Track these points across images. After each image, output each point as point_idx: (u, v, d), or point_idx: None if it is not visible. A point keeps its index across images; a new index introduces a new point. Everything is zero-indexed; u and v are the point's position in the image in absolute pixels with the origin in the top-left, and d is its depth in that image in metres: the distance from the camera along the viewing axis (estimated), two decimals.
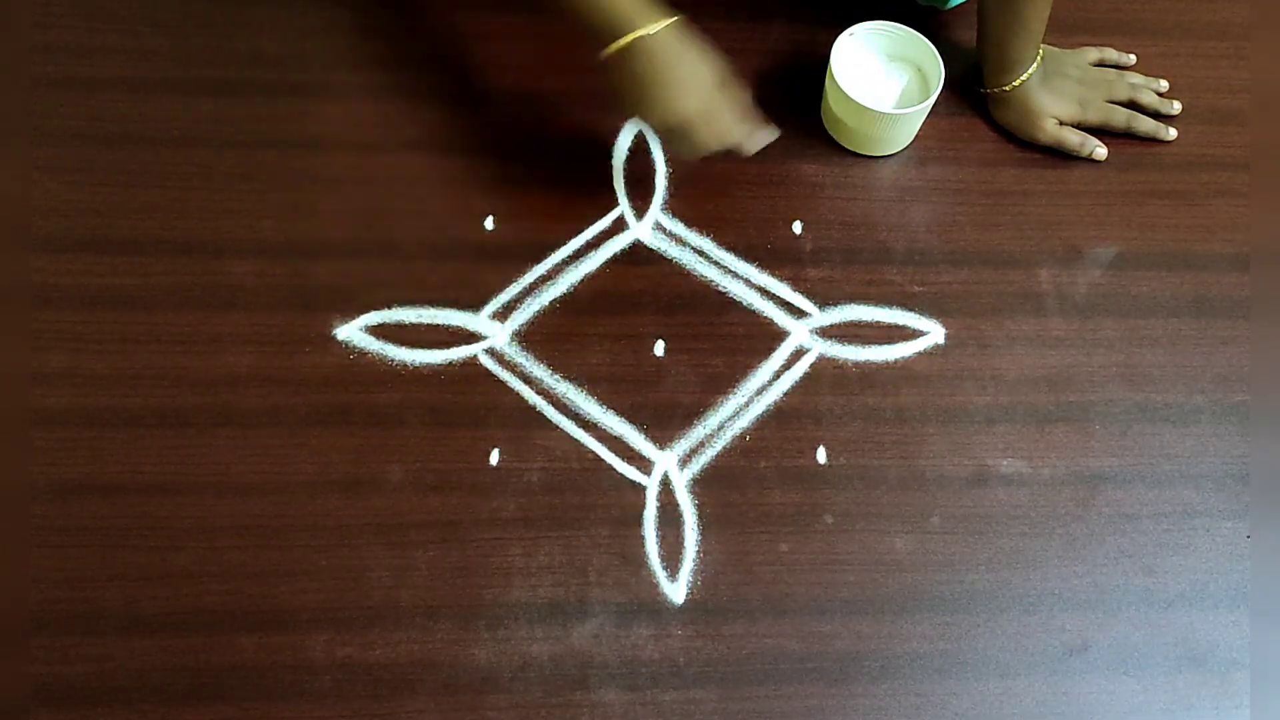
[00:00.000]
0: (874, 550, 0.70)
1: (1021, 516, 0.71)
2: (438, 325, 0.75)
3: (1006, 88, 0.82)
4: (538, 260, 0.78)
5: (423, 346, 0.75)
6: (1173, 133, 0.86)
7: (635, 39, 0.68)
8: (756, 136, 0.75)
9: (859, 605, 0.68)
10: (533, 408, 0.73)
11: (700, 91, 0.71)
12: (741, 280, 0.78)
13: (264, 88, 0.84)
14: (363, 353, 0.74)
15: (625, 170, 0.82)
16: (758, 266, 0.79)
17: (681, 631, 0.67)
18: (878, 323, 0.78)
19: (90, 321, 0.74)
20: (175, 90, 0.83)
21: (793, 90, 0.86)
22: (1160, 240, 0.82)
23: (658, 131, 0.74)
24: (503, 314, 0.76)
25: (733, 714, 0.65)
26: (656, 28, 0.69)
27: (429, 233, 0.79)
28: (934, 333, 0.78)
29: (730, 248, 0.80)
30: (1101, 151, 0.84)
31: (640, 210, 0.81)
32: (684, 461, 0.72)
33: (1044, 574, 0.70)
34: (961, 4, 0.88)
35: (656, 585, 0.68)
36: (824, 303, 0.78)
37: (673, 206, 0.81)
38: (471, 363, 0.74)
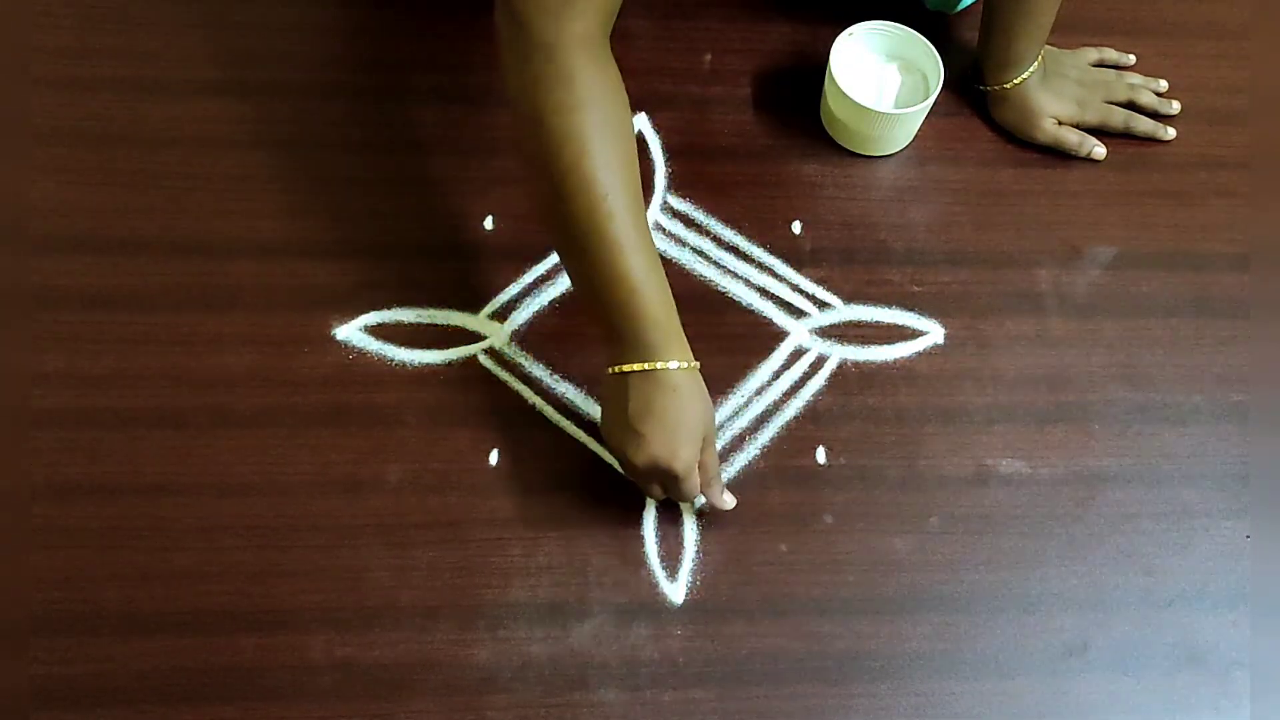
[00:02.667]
0: (873, 550, 0.70)
1: (1021, 516, 0.71)
2: (437, 325, 0.75)
3: (1007, 85, 0.82)
4: (537, 260, 0.78)
5: (422, 346, 0.75)
6: (1171, 132, 0.86)
7: (663, 368, 0.62)
8: (725, 499, 0.68)
9: (858, 605, 0.68)
10: (532, 408, 0.73)
11: (696, 445, 0.64)
12: (741, 280, 0.79)
13: (263, 88, 0.84)
14: (362, 353, 0.74)
15: None
16: (757, 267, 0.79)
17: (681, 631, 0.67)
18: (877, 323, 0.78)
19: (89, 322, 0.74)
20: (174, 91, 0.83)
21: (792, 90, 0.86)
22: (1159, 240, 0.82)
23: (634, 469, 0.65)
24: (502, 314, 0.76)
25: (732, 714, 0.65)
26: (683, 364, 0.63)
27: (429, 233, 0.79)
28: (933, 333, 0.78)
29: (729, 248, 0.80)
30: (1100, 151, 0.84)
31: None
32: None
33: (1043, 574, 0.70)
34: (968, 6, 0.88)
35: (656, 585, 0.68)
36: (823, 303, 0.78)
37: (672, 207, 0.81)
38: (471, 363, 0.74)
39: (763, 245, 0.80)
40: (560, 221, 0.62)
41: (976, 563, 0.70)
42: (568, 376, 0.74)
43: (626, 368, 0.63)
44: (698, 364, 0.64)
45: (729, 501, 0.68)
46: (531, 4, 0.59)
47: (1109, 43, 0.89)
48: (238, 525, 0.68)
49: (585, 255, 0.62)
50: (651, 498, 0.69)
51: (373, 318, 0.75)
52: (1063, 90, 0.84)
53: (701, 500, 0.69)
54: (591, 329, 0.67)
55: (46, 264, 0.75)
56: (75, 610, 0.65)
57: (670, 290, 0.64)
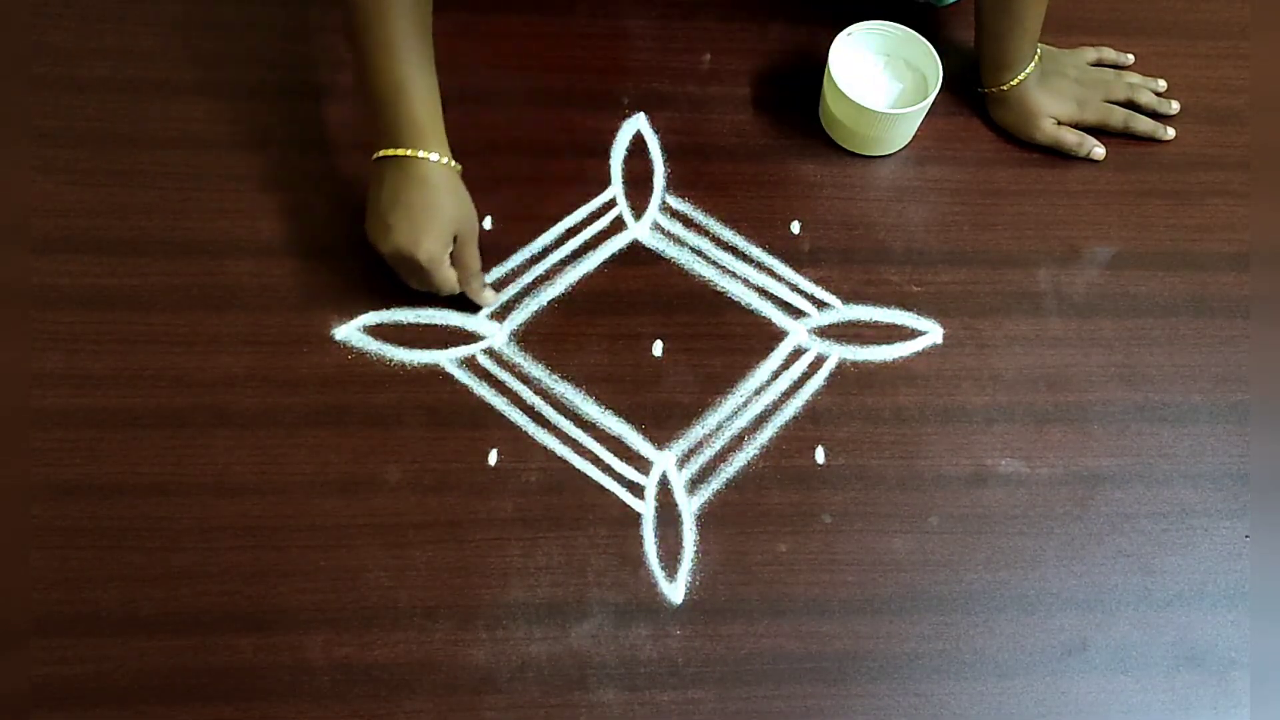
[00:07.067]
0: (872, 550, 0.70)
1: (1020, 516, 0.71)
2: (436, 325, 0.75)
3: (1004, 86, 0.82)
4: (537, 260, 0.78)
5: (421, 346, 0.75)
6: (1171, 132, 0.86)
7: (414, 157, 0.69)
8: (486, 295, 0.75)
9: (857, 605, 0.68)
10: (531, 408, 0.73)
11: (442, 237, 0.70)
12: (740, 280, 0.79)
13: (263, 88, 0.84)
14: (361, 353, 0.74)
15: (624, 170, 0.82)
16: (756, 267, 0.79)
17: (680, 631, 0.67)
18: (876, 322, 0.78)
19: (88, 322, 0.74)
20: (174, 91, 0.83)
21: (791, 90, 0.86)
22: (1159, 240, 0.82)
23: (385, 257, 0.71)
24: (501, 314, 0.76)
25: (731, 714, 0.65)
26: (439, 158, 0.69)
27: None
28: (932, 332, 0.78)
29: (728, 248, 0.80)
30: (1100, 151, 0.84)
31: (639, 210, 0.81)
32: (682, 461, 0.72)
33: (1042, 574, 0.70)
34: (957, 1, 0.88)
35: (655, 585, 0.68)
36: (822, 303, 0.78)
37: (671, 206, 0.81)
38: (470, 363, 0.74)
39: (762, 245, 0.80)
40: (347, 15, 0.69)
41: (975, 562, 0.70)
42: (566, 376, 0.74)
43: (384, 152, 0.69)
44: (458, 166, 0.71)
45: (489, 298, 0.75)
46: None
47: (1107, 42, 0.89)
48: (237, 525, 0.68)
49: (359, 51, 0.69)
50: (414, 288, 0.74)
51: (372, 318, 0.75)
52: (1061, 90, 0.84)
53: (490, 299, 0.75)
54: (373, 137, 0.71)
55: (46, 264, 0.75)
56: (73, 611, 0.65)
57: (439, 96, 0.70)
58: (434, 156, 0.69)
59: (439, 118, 0.71)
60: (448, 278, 0.72)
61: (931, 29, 0.84)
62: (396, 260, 0.71)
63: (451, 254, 0.72)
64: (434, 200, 0.70)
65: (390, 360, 0.74)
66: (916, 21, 0.84)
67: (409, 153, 0.69)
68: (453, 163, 0.71)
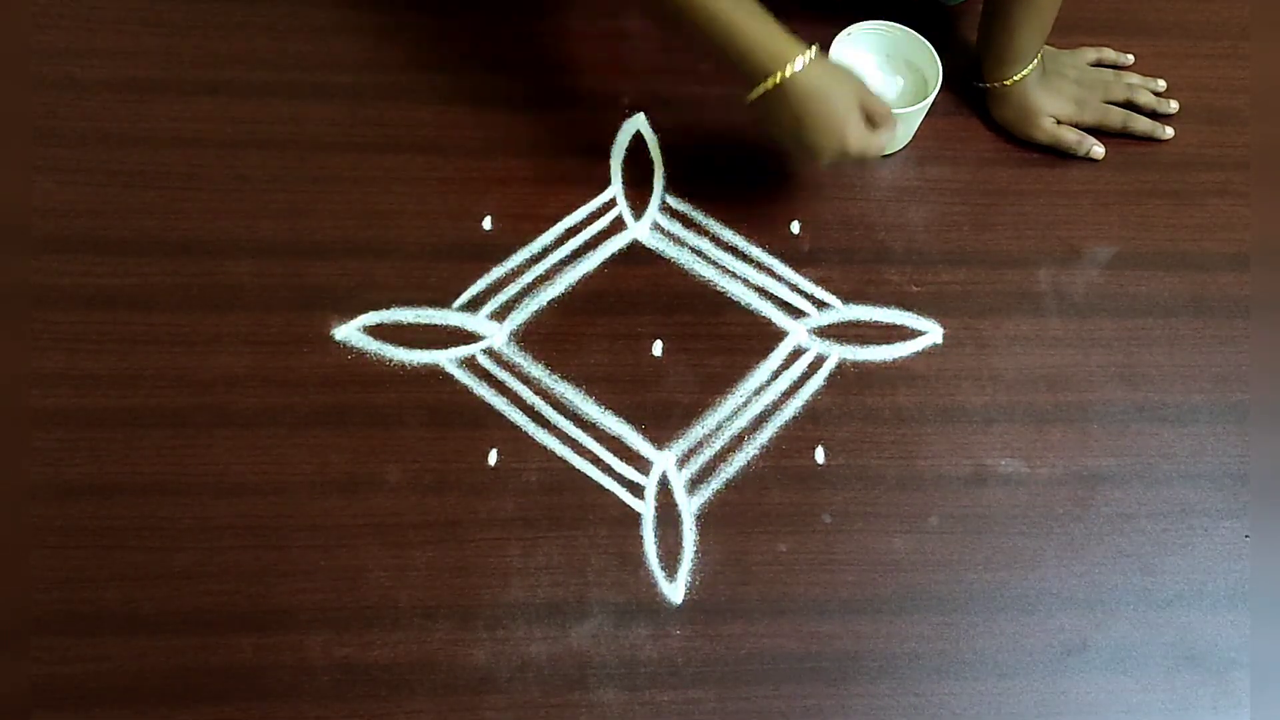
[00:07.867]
0: (872, 550, 0.70)
1: (1020, 516, 0.71)
2: (435, 325, 0.76)
3: (1006, 82, 0.82)
4: (537, 260, 0.78)
5: (421, 346, 0.75)
6: (1169, 132, 0.86)
7: (785, 77, 0.68)
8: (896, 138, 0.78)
9: (857, 605, 0.68)
10: (531, 408, 0.73)
11: (858, 117, 0.70)
12: (740, 280, 0.79)
13: (263, 88, 0.84)
14: (361, 353, 0.74)
15: (624, 170, 0.82)
16: (756, 267, 0.79)
17: (680, 631, 0.67)
18: (876, 322, 0.78)
19: (89, 322, 0.74)
20: (174, 90, 0.83)
21: None
22: (1158, 240, 0.82)
23: (825, 167, 0.75)
24: (501, 314, 0.76)
25: (731, 714, 0.65)
26: (802, 59, 0.68)
27: (428, 233, 0.79)
28: (932, 332, 0.78)
29: (728, 248, 0.80)
30: (1099, 150, 0.84)
31: (638, 210, 0.81)
32: (682, 461, 0.72)
33: (1042, 574, 0.70)
34: (962, 1, 0.88)
35: (655, 585, 0.68)
36: (822, 303, 0.78)
37: (671, 207, 0.81)
38: (470, 363, 0.74)
39: (762, 245, 0.80)
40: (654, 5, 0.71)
41: (975, 562, 0.70)
42: (566, 376, 0.74)
43: (757, 92, 0.70)
44: (814, 46, 0.69)
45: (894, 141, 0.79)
46: None
47: (1107, 42, 0.89)
48: (237, 525, 0.68)
49: (680, 15, 0.69)
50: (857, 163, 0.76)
51: (372, 318, 0.75)
52: (1061, 89, 0.84)
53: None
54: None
55: (46, 264, 0.75)
56: (74, 611, 0.65)
57: (759, 7, 0.69)
58: (798, 63, 0.68)
59: (775, 24, 0.69)
60: (879, 141, 0.72)
61: (934, 27, 0.84)
62: (839, 161, 0.72)
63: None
64: (828, 98, 0.69)
65: (390, 360, 0.74)
66: (920, 19, 0.84)
67: (778, 77, 0.68)
68: (810, 52, 0.69)
